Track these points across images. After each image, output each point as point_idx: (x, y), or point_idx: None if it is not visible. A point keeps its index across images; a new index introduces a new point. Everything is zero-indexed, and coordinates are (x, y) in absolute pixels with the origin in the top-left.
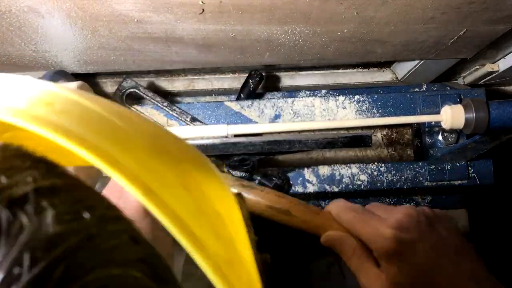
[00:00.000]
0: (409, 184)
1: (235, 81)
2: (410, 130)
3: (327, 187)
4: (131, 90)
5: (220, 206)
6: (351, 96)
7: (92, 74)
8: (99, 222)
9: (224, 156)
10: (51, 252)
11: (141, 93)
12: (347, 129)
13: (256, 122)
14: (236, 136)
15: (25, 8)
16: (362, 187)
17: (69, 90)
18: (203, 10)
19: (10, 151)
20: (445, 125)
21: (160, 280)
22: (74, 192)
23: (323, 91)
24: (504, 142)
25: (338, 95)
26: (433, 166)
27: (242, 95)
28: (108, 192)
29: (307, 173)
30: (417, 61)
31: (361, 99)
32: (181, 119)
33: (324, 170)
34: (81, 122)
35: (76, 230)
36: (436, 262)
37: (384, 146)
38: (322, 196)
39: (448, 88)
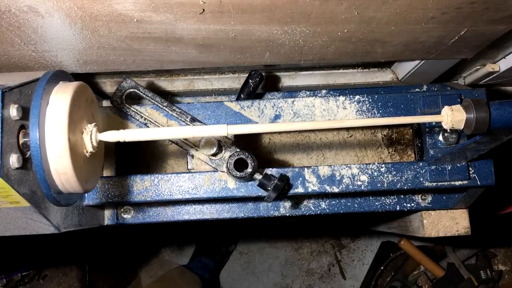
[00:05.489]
0: (409, 184)
1: (235, 81)
2: (411, 130)
3: (327, 187)
4: (131, 90)
5: None
6: (351, 96)
7: (92, 74)
8: None
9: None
10: None
11: (141, 93)
12: (348, 129)
13: (256, 122)
14: (236, 136)
15: (24, 8)
16: (362, 187)
17: None
18: (203, 10)
19: None
20: (446, 125)
21: None
22: None
23: (324, 91)
24: (505, 142)
25: (339, 95)
26: (433, 167)
27: (242, 95)
28: None
29: (307, 173)
30: (417, 61)
31: (362, 99)
32: (181, 119)
33: (324, 170)
34: None
35: None
36: None
37: (385, 146)
38: (322, 197)
39: (449, 89)
